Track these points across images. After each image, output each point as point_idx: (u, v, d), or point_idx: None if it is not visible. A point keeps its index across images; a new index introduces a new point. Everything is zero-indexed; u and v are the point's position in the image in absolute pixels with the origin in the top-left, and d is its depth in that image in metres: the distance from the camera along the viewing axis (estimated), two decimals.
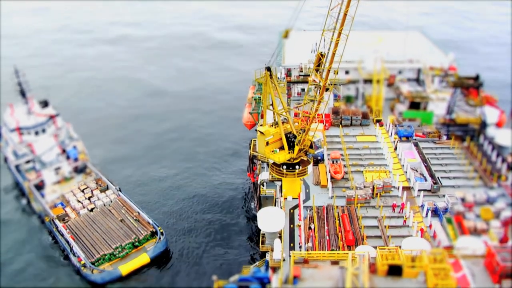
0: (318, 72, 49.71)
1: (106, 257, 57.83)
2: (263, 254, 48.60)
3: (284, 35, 51.28)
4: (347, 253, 39.05)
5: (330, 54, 47.26)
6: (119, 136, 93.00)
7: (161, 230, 60.76)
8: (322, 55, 49.14)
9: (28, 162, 72.29)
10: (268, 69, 51.05)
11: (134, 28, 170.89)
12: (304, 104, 52.30)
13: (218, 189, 73.61)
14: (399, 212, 51.48)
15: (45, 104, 75.83)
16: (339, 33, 45.49)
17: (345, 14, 44.36)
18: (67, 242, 60.14)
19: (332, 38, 46.17)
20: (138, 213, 64.46)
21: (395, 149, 64.52)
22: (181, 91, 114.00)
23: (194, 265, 57.79)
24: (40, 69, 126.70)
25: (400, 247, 41.71)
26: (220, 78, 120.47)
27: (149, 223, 62.35)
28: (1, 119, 79.33)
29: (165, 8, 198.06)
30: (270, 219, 47.38)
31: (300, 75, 77.71)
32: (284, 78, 79.26)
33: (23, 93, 72.82)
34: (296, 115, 65.09)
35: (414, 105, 74.03)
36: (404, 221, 49.36)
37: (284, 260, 42.61)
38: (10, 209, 71.34)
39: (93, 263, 56.70)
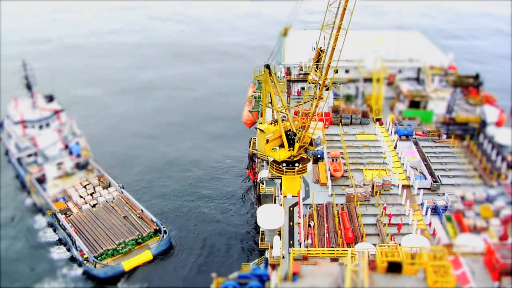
0: (317, 68, 49.71)
1: (109, 252, 58.01)
2: (262, 251, 48.56)
3: (283, 33, 51.18)
4: (347, 250, 39.00)
5: (329, 50, 47.26)
6: None
7: (164, 229, 60.77)
8: (321, 50, 49.10)
9: (30, 155, 72.43)
10: (268, 66, 50.95)
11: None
12: (304, 102, 52.27)
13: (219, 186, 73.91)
14: (397, 211, 51.46)
15: (50, 98, 76.18)
16: (339, 28, 45.49)
17: (344, 9, 44.37)
18: (69, 236, 60.14)
19: (331, 33, 46.16)
20: (142, 210, 64.44)
21: (395, 147, 64.51)
22: None
23: (194, 261, 57.77)
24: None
25: (399, 244, 41.67)
26: None
27: (152, 220, 62.39)
28: (2, 112, 79.53)
29: None
30: (269, 216, 47.36)
31: (300, 74, 77.72)
32: (284, 76, 79.27)
33: (29, 87, 72.93)
34: (296, 113, 65.03)
35: (414, 104, 74.01)
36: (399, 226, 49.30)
37: (283, 257, 42.56)
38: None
39: (96, 258, 56.78)
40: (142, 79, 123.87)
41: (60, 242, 62.98)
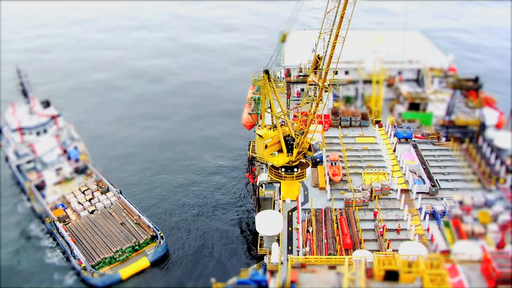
0: (316, 74, 49.74)
1: (107, 260, 57.99)
2: (261, 257, 48.76)
3: (281, 39, 50.95)
4: (344, 258, 39.24)
5: (327, 57, 47.26)
6: None
7: (161, 234, 60.79)
8: (319, 57, 49.09)
9: (29, 162, 72.37)
10: (267, 72, 50.89)
11: None
12: (303, 105, 52.29)
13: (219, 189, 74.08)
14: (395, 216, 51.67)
15: (47, 104, 75.88)
16: (336, 36, 45.47)
17: (342, 17, 44.30)
18: (68, 244, 60.32)
19: (329, 41, 46.12)
20: (139, 216, 64.49)
21: (394, 150, 64.55)
22: None
23: (193, 267, 58.01)
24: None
25: (397, 251, 41.89)
26: None
27: (149, 226, 62.39)
28: (1, 118, 79.50)
29: None
30: (268, 222, 47.47)
31: (299, 75, 77.63)
32: (284, 78, 79.26)
33: (25, 93, 72.88)
34: (295, 116, 65.09)
35: (414, 106, 73.96)
36: (398, 230, 49.57)
37: (282, 263, 42.83)
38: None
39: (93, 266, 56.91)
40: None
41: (58, 245, 63.17)
